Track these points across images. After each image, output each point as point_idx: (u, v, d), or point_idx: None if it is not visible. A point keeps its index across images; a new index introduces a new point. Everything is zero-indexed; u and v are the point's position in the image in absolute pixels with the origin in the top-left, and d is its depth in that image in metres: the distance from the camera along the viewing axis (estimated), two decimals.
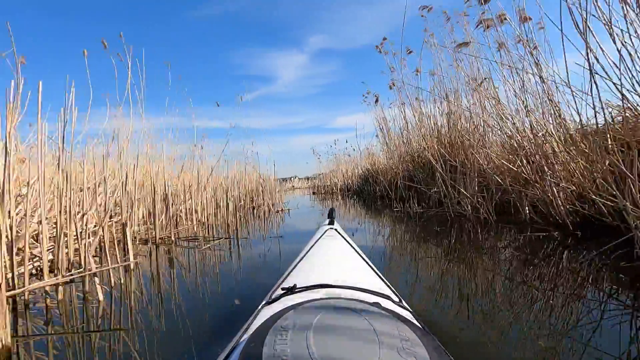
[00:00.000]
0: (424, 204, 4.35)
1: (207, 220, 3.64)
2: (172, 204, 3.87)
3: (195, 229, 3.49)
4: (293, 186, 22.70)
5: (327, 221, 1.68)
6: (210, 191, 4.40)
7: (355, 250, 1.26)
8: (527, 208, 2.66)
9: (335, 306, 0.49)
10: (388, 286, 0.91)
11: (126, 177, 3.27)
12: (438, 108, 4.66)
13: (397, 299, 0.77)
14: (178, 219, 4.04)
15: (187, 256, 2.50)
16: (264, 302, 0.75)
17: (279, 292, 0.75)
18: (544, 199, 2.46)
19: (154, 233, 2.88)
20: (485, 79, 3.48)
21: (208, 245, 2.71)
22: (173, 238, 2.97)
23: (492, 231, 2.73)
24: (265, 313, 0.64)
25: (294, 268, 0.99)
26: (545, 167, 2.39)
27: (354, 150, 12.01)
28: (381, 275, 1.03)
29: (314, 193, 12.71)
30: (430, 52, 4.60)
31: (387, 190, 5.75)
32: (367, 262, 1.14)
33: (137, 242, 2.87)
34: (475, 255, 2.18)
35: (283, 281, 0.86)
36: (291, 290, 0.74)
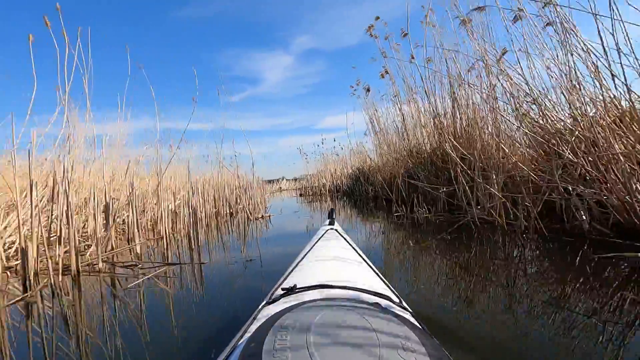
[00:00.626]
0: (430, 207, 3.67)
1: (167, 235, 2.86)
2: (116, 216, 3.05)
3: (138, 251, 2.67)
4: (280, 188, 22.07)
5: (327, 222, 1.64)
6: (169, 198, 3.60)
7: (356, 251, 1.24)
8: (583, 214, 1.98)
9: (335, 307, 0.48)
10: (388, 287, 0.90)
11: (53, 185, 2.47)
12: (439, 97, 4.01)
13: (397, 300, 0.76)
14: (131, 236, 3.21)
15: (112, 295, 1.70)
16: (263, 303, 0.73)
17: (279, 292, 0.74)
18: (620, 204, 1.77)
19: (71, 259, 2.05)
20: (505, 51, 2.83)
21: (143, 279, 1.91)
22: (101, 265, 2.15)
23: (539, 246, 2.05)
24: (265, 313, 0.63)
25: (294, 268, 0.98)
26: (621, 157, 1.71)
27: (342, 148, 11.38)
28: (381, 275, 1.00)
29: (300, 195, 11.97)
30: (430, 34, 3.94)
31: (387, 190, 5.03)
32: (367, 263, 1.12)
33: (51, 273, 2.05)
34: (523, 281, 1.50)
35: (283, 281, 0.85)
36: (291, 291, 0.72)
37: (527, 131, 2.49)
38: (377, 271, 1.05)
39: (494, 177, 2.58)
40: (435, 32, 3.89)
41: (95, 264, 2.18)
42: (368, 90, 5.63)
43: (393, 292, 0.84)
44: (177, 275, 1.97)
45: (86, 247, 2.70)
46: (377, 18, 4.82)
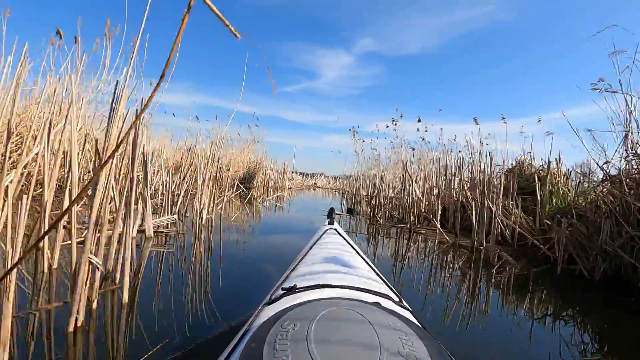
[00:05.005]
0: None
1: None
2: None
3: None
4: (315, 184, 18.09)
5: (327, 221, 1.63)
6: None
7: (355, 250, 1.24)
8: None
9: (335, 306, 0.47)
10: (388, 286, 0.90)
11: None
12: None
13: (397, 299, 0.76)
14: None
15: None
16: (264, 302, 0.73)
17: (280, 292, 0.73)
18: None
19: None
20: None
21: None
22: None
23: None
24: (266, 313, 0.63)
25: (294, 268, 0.98)
26: None
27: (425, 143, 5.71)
28: (381, 275, 1.01)
29: (350, 213, 5.61)
30: None
31: None
32: (367, 262, 1.12)
33: None
34: None
35: (283, 281, 0.84)
36: (291, 291, 0.72)
37: None
38: (377, 270, 1.05)
39: None
40: None
41: None
42: None
43: (393, 291, 0.84)
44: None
45: None
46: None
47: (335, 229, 1.48)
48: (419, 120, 7.30)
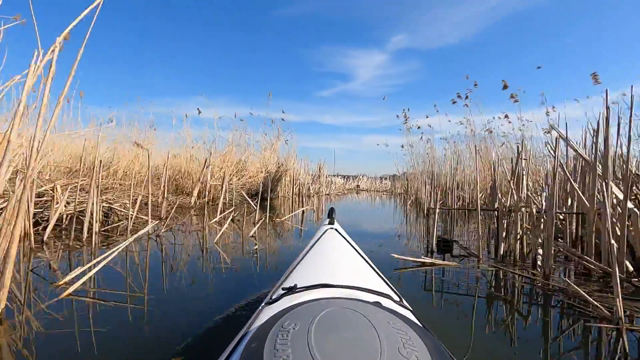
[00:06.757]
0: None
1: None
2: None
3: None
4: (358, 186, 16.98)
5: (327, 221, 1.60)
6: None
7: (356, 250, 1.24)
8: None
9: (335, 306, 0.47)
10: (388, 285, 0.90)
11: None
12: None
13: (397, 298, 0.76)
14: None
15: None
16: (264, 302, 0.73)
17: (280, 292, 0.73)
18: None
19: None
20: None
21: None
22: None
23: None
24: (266, 313, 0.63)
25: (294, 268, 0.97)
26: None
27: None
28: (381, 274, 1.00)
29: (446, 247, 2.91)
30: None
31: None
32: (367, 262, 1.11)
33: None
34: None
35: (284, 281, 0.84)
36: (292, 290, 0.71)
37: None
38: (377, 270, 1.04)
39: None
40: None
41: None
42: None
43: (393, 291, 0.84)
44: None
45: None
46: None
47: (336, 229, 1.47)
48: (505, 87, 5.01)
